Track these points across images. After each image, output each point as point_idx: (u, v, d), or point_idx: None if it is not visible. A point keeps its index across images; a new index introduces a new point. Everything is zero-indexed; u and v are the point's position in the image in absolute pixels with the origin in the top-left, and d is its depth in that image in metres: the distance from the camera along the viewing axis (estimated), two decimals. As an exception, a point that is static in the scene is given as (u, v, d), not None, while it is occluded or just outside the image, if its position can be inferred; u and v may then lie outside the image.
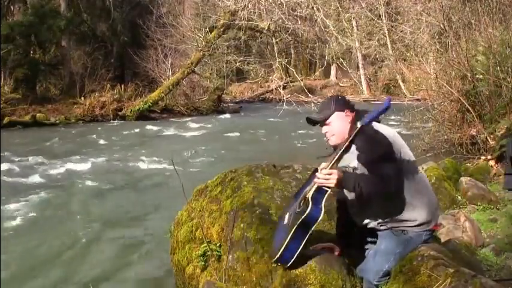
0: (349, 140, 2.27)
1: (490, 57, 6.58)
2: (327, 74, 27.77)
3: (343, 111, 2.34)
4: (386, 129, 2.29)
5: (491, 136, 6.05)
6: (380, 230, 2.35)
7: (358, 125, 2.28)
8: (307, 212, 2.25)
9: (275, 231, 2.56)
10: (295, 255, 2.30)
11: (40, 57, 16.89)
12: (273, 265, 2.50)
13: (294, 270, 2.38)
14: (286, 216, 2.46)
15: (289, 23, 13.27)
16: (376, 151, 2.19)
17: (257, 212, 2.82)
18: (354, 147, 2.28)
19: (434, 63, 9.42)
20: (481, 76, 6.60)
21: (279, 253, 2.32)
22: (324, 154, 2.46)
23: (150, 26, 19.03)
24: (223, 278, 2.73)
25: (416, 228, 2.28)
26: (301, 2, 12.46)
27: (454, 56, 7.40)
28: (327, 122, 2.36)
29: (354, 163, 2.26)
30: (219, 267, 2.83)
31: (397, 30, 11.60)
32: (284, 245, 2.29)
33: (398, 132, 2.42)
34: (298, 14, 13.52)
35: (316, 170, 2.35)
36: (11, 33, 14.92)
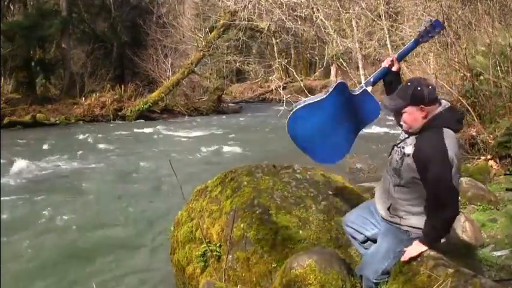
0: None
1: (489, 57, 6.58)
2: (326, 74, 27.73)
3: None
4: (453, 143, 2.13)
5: (491, 136, 6.05)
6: (387, 221, 2.34)
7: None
8: None
9: None
10: None
11: (40, 57, 16.88)
12: None
13: (293, 270, 2.38)
14: None
15: (289, 23, 13.25)
16: (434, 169, 2.08)
17: (257, 212, 2.83)
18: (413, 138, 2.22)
19: (434, 63, 9.42)
20: (480, 76, 6.60)
21: None
22: None
23: (150, 26, 19.02)
24: (223, 278, 2.73)
25: (420, 232, 2.25)
26: (301, 2, 12.45)
27: (454, 56, 7.40)
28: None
29: (409, 150, 2.20)
30: (219, 267, 2.83)
31: (397, 30, 11.60)
32: None
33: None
34: (298, 14, 13.51)
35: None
36: (11, 33, 14.90)
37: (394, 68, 2.56)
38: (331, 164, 2.79)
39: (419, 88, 2.13)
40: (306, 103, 2.59)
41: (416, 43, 2.57)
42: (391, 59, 2.57)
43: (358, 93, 2.58)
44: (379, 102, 2.53)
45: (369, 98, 2.56)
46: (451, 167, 2.06)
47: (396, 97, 2.21)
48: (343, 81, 2.61)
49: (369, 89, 2.58)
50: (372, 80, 2.59)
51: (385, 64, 2.57)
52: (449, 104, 2.22)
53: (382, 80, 2.61)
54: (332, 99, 2.56)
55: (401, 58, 2.59)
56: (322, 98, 2.58)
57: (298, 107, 2.59)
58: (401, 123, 2.25)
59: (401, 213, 2.28)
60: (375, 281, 2.29)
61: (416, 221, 2.24)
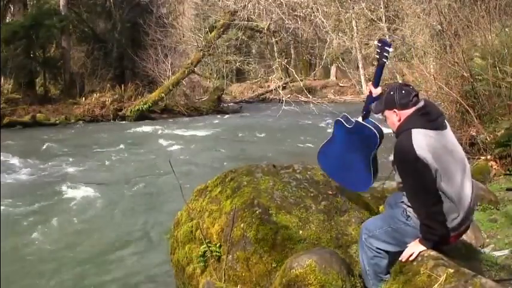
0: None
1: (488, 57, 6.58)
2: (326, 74, 27.75)
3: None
4: (422, 140, 2.17)
5: (491, 136, 6.05)
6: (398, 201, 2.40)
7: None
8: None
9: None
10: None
11: (40, 57, 16.88)
12: None
13: (293, 270, 2.38)
14: None
15: (289, 23, 13.26)
16: (403, 169, 2.24)
17: (257, 212, 2.83)
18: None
19: (433, 63, 9.42)
20: (479, 76, 6.60)
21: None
22: None
23: (150, 26, 19.02)
24: (223, 278, 2.74)
25: (417, 221, 2.28)
26: (301, 1, 12.46)
27: (454, 56, 7.40)
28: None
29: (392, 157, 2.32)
30: (219, 268, 2.83)
31: (397, 30, 11.62)
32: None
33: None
34: (298, 13, 13.52)
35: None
36: (11, 33, 14.89)
37: (374, 95, 2.74)
38: (364, 190, 3.11)
39: (391, 93, 2.30)
40: (325, 141, 2.99)
41: (381, 66, 2.74)
42: (368, 89, 2.81)
43: (352, 126, 2.81)
44: (373, 129, 2.69)
45: (363, 127, 2.75)
46: (422, 166, 2.13)
47: (378, 102, 2.49)
48: (339, 118, 2.87)
49: (360, 119, 2.80)
50: (364, 112, 2.80)
51: (367, 93, 2.82)
52: (422, 105, 2.26)
53: None
54: (337, 135, 2.90)
55: (377, 84, 2.78)
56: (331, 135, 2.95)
57: (321, 145, 3.00)
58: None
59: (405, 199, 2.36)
60: (364, 240, 2.40)
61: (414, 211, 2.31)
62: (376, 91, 2.73)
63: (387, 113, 2.32)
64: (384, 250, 2.37)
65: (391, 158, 2.32)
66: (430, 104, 2.33)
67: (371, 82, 2.82)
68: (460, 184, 2.24)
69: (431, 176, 2.16)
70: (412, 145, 2.15)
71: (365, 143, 2.75)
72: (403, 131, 2.23)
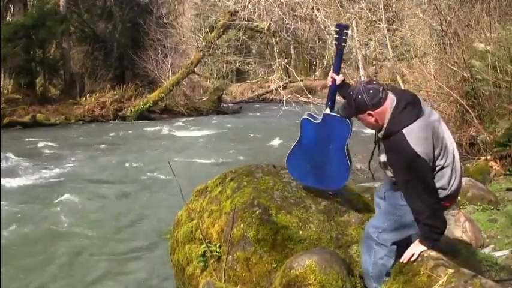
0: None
1: (488, 57, 6.58)
2: (326, 74, 27.70)
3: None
4: (418, 137, 2.15)
5: (491, 136, 6.05)
6: (392, 190, 2.40)
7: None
8: None
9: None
10: None
11: (40, 58, 16.87)
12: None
13: (293, 271, 2.38)
14: None
15: (289, 23, 13.25)
16: (405, 172, 2.18)
17: (257, 212, 2.83)
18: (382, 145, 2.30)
19: (433, 63, 9.41)
20: (479, 77, 6.59)
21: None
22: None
23: (150, 26, 19.01)
24: (223, 278, 2.74)
25: None
26: (302, 2, 12.44)
27: (454, 57, 7.40)
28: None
29: (383, 158, 2.29)
30: (219, 268, 2.83)
31: (397, 31, 11.60)
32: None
33: None
34: (298, 14, 13.51)
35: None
36: (12, 33, 14.89)
37: (338, 82, 2.71)
38: (342, 185, 2.97)
39: (359, 96, 2.19)
40: (289, 150, 2.91)
41: (340, 51, 2.74)
42: (330, 76, 2.74)
43: (320, 120, 2.79)
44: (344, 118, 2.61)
45: (334, 118, 2.73)
46: (423, 163, 2.12)
47: (346, 106, 2.31)
48: (304, 116, 2.86)
49: (327, 111, 2.76)
50: (329, 103, 2.78)
51: (329, 83, 2.75)
52: (395, 101, 2.20)
53: (341, 97, 2.72)
54: (305, 135, 2.85)
55: (338, 70, 2.75)
56: (298, 138, 2.88)
57: (288, 154, 2.90)
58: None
59: None
60: (376, 238, 2.37)
61: None
62: (339, 78, 2.70)
63: (361, 116, 2.25)
64: (397, 243, 2.35)
65: (381, 159, 2.30)
66: (402, 95, 2.24)
67: (331, 70, 2.75)
68: (453, 152, 2.27)
69: (431, 174, 2.18)
70: (409, 145, 2.11)
71: (339, 133, 2.72)
72: (393, 133, 2.17)
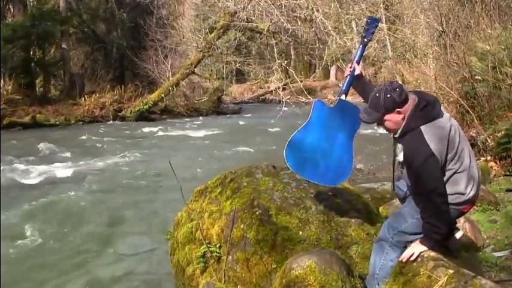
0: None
1: (488, 58, 6.59)
2: (326, 74, 27.76)
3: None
4: (434, 135, 2.19)
5: (491, 137, 6.05)
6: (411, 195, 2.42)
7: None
8: None
9: None
10: None
11: (40, 58, 16.89)
12: None
13: (293, 271, 2.38)
14: None
15: (289, 24, 13.26)
16: (416, 168, 2.20)
17: (257, 213, 2.82)
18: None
19: (433, 64, 9.42)
20: (479, 77, 6.60)
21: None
22: None
23: (150, 26, 19.04)
24: (223, 278, 2.73)
25: None
26: (301, 3, 12.45)
27: (454, 57, 7.40)
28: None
29: (401, 158, 2.29)
30: (219, 268, 2.83)
31: (397, 31, 11.62)
32: None
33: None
34: (298, 15, 13.51)
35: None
36: (11, 34, 14.90)
37: (356, 72, 2.73)
38: (342, 182, 2.88)
39: (388, 95, 2.23)
40: (295, 133, 2.69)
41: (365, 44, 2.75)
42: (350, 66, 2.75)
43: (336, 105, 2.72)
44: (358, 107, 2.62)
45: (348, 105, 2.69)
46: (436, 165, 2.16)
47: (370, 110, 2.30)
48: (319, 99, 2.80)
49: (343, 97, 2.72)
50: (343, 89, 2.74)
51: (347, 73, 2.75)
52: (416, 99, 2.26)
53: (355, 90, 2.75)
54: (315, 119, 2.69)
55: (359, 61, 2.76)
56: (306, 122, 2.70)
57: (289, 139, 2.67)
58: (385, 131, 2.38)
59: None
60: (391, 239, 2.38)
61: None
62: (359, 68, 2.73)
63: (389, 116, 2.25)
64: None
65: (399, 158, 2.30)
66: (422, 95, 2.32)
67: (352, 60, 2.76)
68: (469, 158, 2.29)
69: (440, 174, 2.21)
70: (425, 141, 2.16)
71: (351, 122, 2.65)
72: (410, 130, 2.23)
